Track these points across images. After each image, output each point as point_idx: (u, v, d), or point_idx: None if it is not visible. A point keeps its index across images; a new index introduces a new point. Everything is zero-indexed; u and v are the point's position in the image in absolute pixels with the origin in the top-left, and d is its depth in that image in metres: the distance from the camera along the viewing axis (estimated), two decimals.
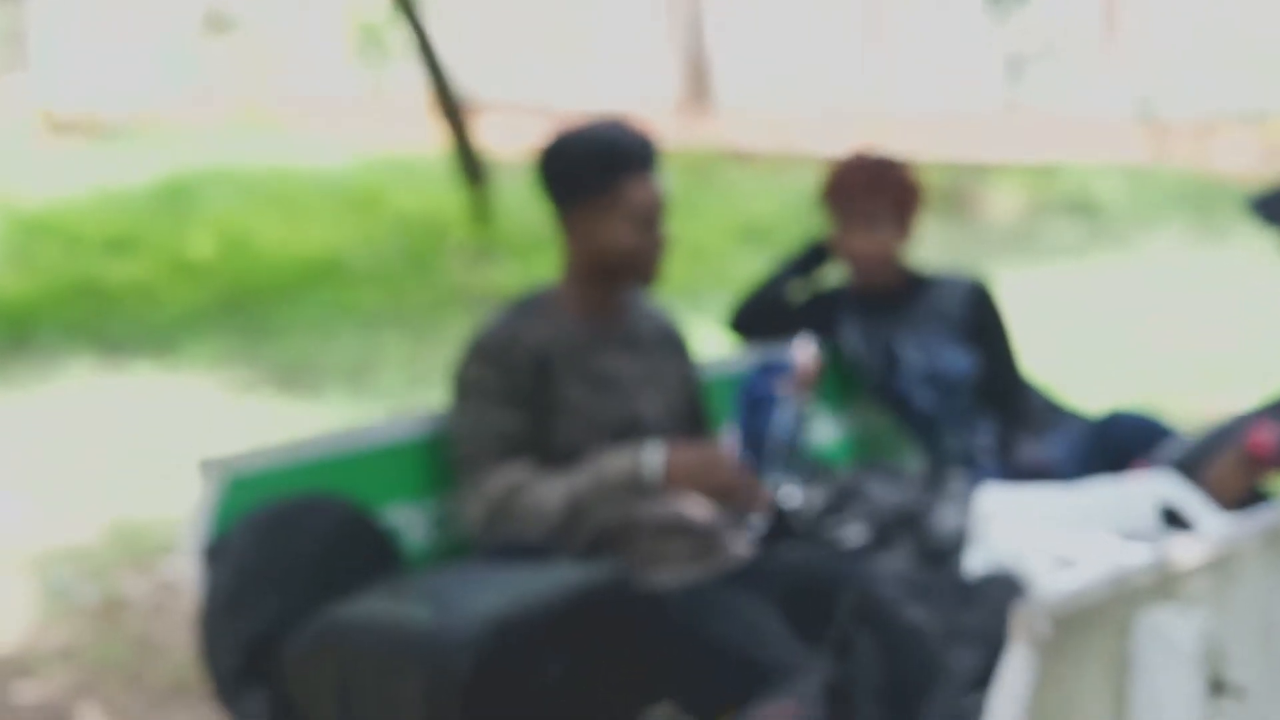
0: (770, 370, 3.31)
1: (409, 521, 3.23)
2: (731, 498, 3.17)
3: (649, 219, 3.20)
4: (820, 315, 4.03)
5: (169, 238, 11.67)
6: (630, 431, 3.23)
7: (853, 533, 3.49)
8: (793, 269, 4.03)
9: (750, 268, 10.34)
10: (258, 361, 8.68)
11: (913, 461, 4.13)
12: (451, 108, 11.42)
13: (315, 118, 18.91)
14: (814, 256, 4.04)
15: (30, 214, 12.46)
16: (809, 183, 13.29)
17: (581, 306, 3.28)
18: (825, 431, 4.04)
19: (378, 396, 7.80)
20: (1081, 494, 3.14)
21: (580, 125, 3.24)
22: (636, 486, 3.11)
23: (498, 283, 10.19)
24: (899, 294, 4.00)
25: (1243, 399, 7.26)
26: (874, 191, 3.89)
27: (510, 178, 12.64)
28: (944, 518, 3.50)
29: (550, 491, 3.09)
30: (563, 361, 3.20)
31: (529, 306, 3.25)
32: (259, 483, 3.02)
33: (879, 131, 16.44)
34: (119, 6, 20.84)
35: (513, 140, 15.66)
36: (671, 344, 3.42)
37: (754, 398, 3.28)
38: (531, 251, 10.82)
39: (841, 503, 3.60)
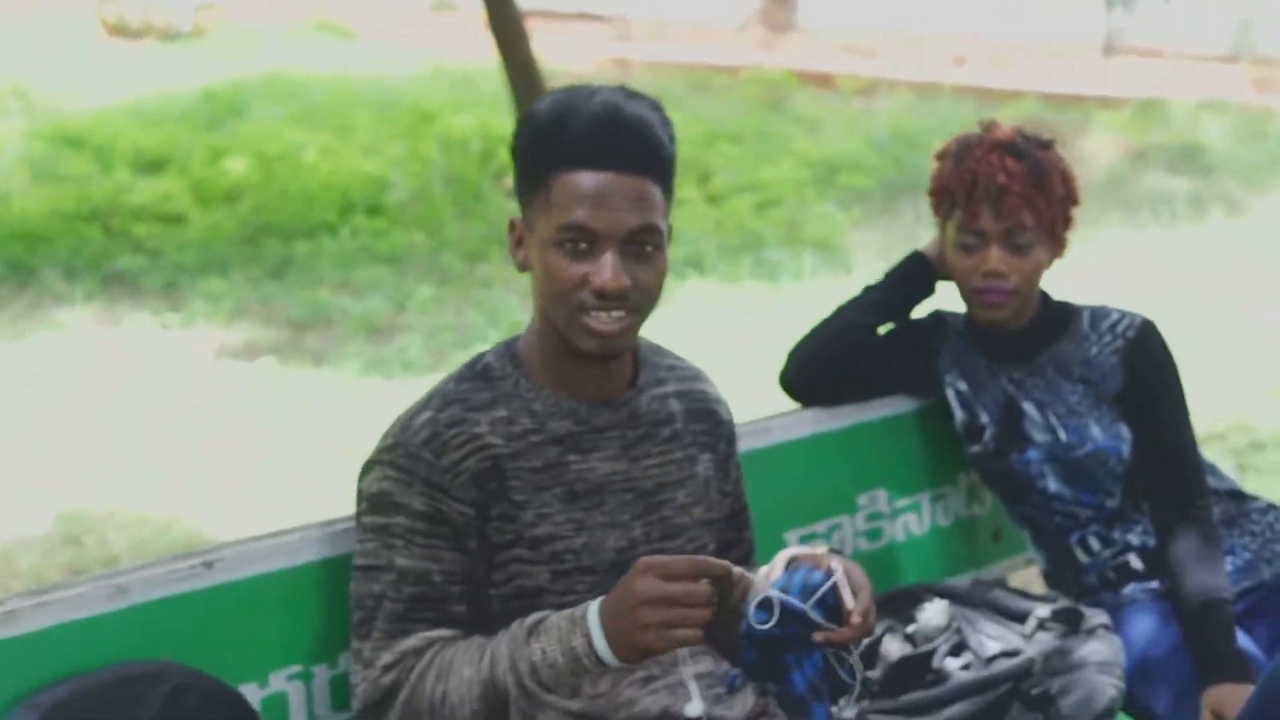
0: (795, 598, 2.01)
1: (293, 697, 2.19)
2: (701, 624, 1.96)
3: (577, 236, 2.07)
4: (912, 357, 2.93)
5: (205, 156, 10.67)
6: (617, 573, 2.16)
7: (952, 708, 2.42)
8: (879, 300, 2.92)
9: (822, 214, 9.26)
10: (272, 311, 7.68)
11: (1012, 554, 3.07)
12: (508, 25, 10.25)
13: (389, 25, 17.87)
14: (913, 282, 2.93)
15: (69, 124, 11.46)
16: (893, 114, 12.27)
17: (555, 376, 2.21)
18: (910, 524, 2.97)
19: (394, 367, 6.77)
20: None
21: (564, 89, 2.17)
22: (583, 671, 2.02)
23: None
24: (1030, 335, 2.89)
25: None
26: (1017, 191, 2.75)
27: None
28: (1085, 698, 2.43)
29: (465, 677, 2.04)
30: (525, 465, 2.15)
31: (482, 375, 2.19)
32: (42, 647, 1.98)
33: (969, 58, 15.21)
34: None
35: (580, 55, 14.60)
36: (703, 429, 2.33)
37: (762, 638, 2.01)
38: None
39: (930, 647, 2.54)
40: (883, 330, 2.92)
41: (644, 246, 2.10)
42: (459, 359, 6.76)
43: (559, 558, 2.13)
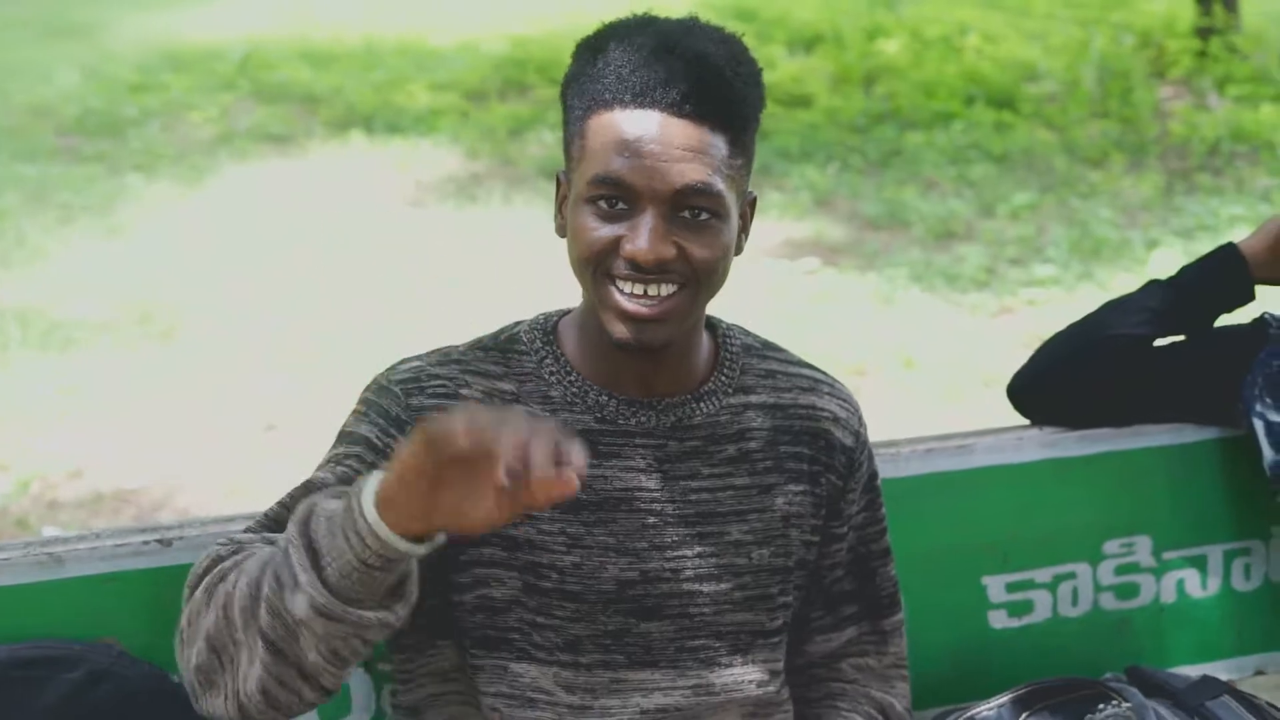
0: None
1: None
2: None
3: (612, 193, 1.66)
4: (1208, 377, 2.28)
5: (863, 35, 10.43)
6: (614, 610, 1.78)
7: None
8: (1159, 306, 2.26)
9: None
10: (853, 206, 7.35)
11: None
12: None
13: None
14: (1218, 284, 2.27)
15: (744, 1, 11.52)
16: None
17: (591, 361, 1.80)
18: (1188, 584, 2.34)
19: (939, 280, 6.29)
20: None
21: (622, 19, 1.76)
22: (352, 528, 1.46)
23: (1201, 134, 8.19)
24: None
25: None
26: None
27: None
28: None
29: (249, 571, 1.57)
30: None
31: (503, 347, 1.82)
32: None
33: None
34: None
35: None
36: (800, 454, 1.85)
37: None
38: (1264, 96, 8.73)
39: None
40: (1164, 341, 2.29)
41: (698, 213, 1.66)
42: (1012, 277, 6.32)
43: (537, 571, 1.75)
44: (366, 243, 6.75)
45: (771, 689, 1.86)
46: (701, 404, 1.82)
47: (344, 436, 1.78)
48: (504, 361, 1.81)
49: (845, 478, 1.88)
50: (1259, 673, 2.35)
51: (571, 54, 1.75)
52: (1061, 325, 2.34)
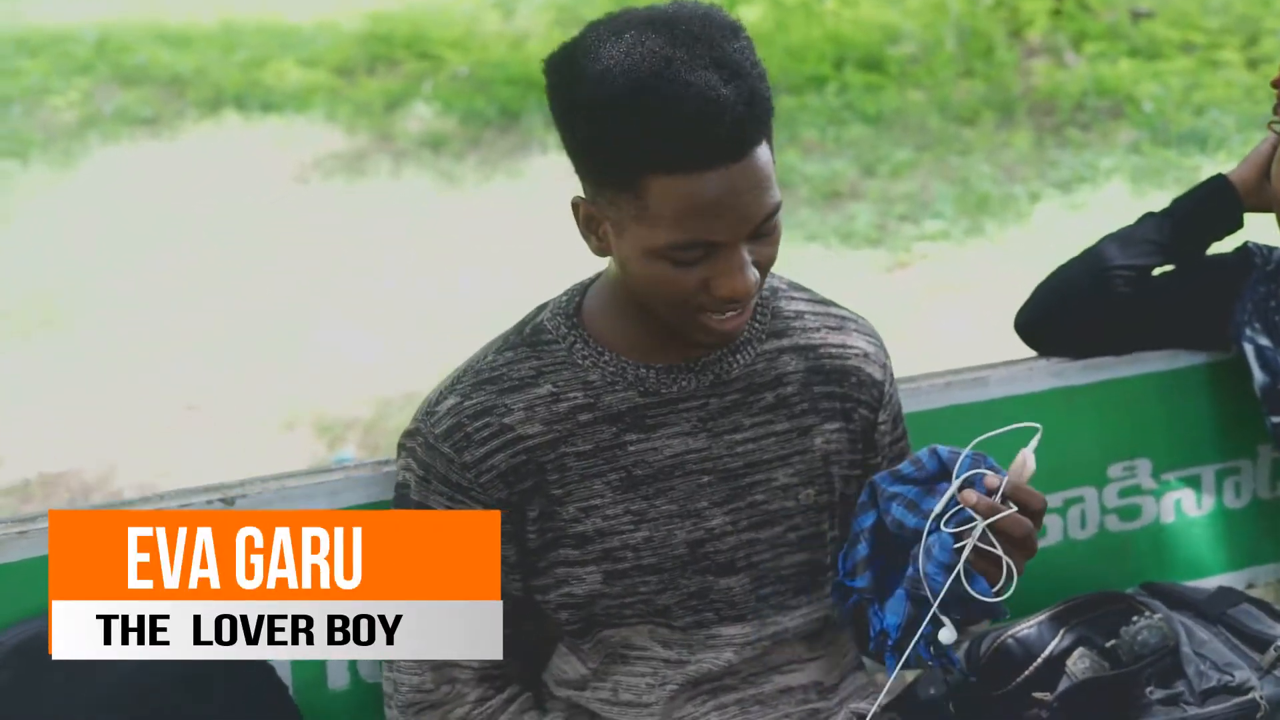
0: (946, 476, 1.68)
1: (333, 665, 1.99)
2: None
3: (687, 247, 1.65)
4: (1202, 304, 2.39)
5: (724, 3, 10.51)
6: (692, 571, 1.84)
7: None
8: (1157, 237, 2.37)
9: None
10: None
11: None
12: None
13: None
14: (1210, 213, 2.38)
15: None
16: None
17: (622, 336, 1.83)
18: (1185, 503, 2.44)
19: (833, 238, 6.40)
20: None
21: (624, 17, 1.68)
22: None
23: (1065, 90, 8.39)
24: None
25: None
26: None
27: None
28: None
29: None
30: (570, 450, 1.80)
31: (530, 341, 1.84)
32: (23, 580, 1.82)
33: None
34: None
35: None
36: (832, 392, 1.90)
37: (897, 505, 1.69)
38: (1119, 53, 8.96)
39: (1130, 669, 2.05)
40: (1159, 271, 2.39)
41: (767, 221, 1.68)
42: (904, 234, 6.45)
43: (613, 556, 1.81)
44: (258, 220, 6.69)
45: (834, 617, 1.93)
46: (738, 355, 1.86)
47: (408, 501, 1.83)
48: (535, 355, 1.82)
49: (876, 410, 1.94)
50: (1250, 586, 2.47)
51: (564, 71, 1.66)
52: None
